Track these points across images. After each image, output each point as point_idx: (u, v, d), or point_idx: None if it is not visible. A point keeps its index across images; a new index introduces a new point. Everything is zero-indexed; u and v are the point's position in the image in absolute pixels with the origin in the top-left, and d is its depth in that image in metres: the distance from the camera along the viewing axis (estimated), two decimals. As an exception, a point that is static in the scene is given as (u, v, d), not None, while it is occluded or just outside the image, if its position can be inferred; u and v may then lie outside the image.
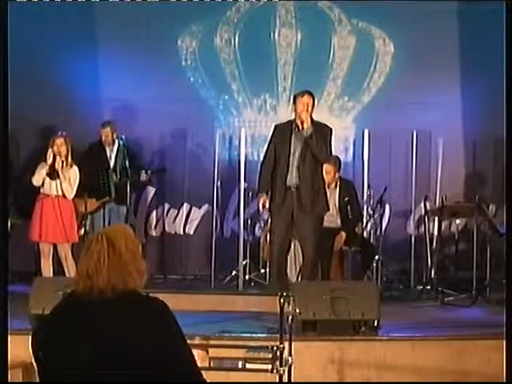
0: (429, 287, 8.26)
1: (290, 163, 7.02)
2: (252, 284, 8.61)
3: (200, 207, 9.59)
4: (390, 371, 5.64)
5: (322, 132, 7.02)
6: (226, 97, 9.61)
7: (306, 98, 6.99)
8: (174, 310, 2.92)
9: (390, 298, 8.01)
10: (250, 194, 8.69)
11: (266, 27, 9.50)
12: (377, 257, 8.27)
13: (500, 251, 7.69)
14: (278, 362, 4.71)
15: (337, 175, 8.26)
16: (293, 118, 7.13)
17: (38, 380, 2.93)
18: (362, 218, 8.52)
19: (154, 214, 9.64)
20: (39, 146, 9.20)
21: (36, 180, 7.56)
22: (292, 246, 7.54)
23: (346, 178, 8.71)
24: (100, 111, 9.33)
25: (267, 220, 7.82)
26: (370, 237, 8.69)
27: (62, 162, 7.53)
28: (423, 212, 8.85)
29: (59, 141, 7.58)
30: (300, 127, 6.97)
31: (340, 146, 9.32)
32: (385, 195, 8.48)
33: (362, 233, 8.53)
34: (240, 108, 9.62)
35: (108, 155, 8.65)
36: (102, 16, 9.46)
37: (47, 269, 7.60)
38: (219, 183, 8.99)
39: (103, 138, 8.66)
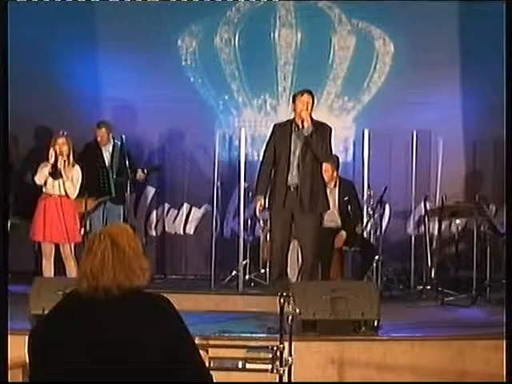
0: (429, 287, 8.26)
1: (291, 162, 7.02)
2: (252, 284, 8.61)
3: (200, 207, 9.59)
4: (390, 371, 5.64)
5: (322, 131, 7.02)
6: (226, 97, 9.61)
7: (306, 97, 6.99)
8: (174, 310, 2.92)
9: (389, 298, 8.01)
10: (250, 193, 8.69)
11: (266, 27, 9.50)
12: (377, 257, 8.27)
13: (500, 251, 7.72)
14: (277, 362, 4.71)
15: (335, 174, 8.26)
16: (292, 117, 7.14)
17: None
18: (362, 218, 8.52)
19: (154, 214, 9.64)
20: (39, 146, 9.21)
21: (39, 179, 7.55)
22: (292, 245, 7.54)
23: (346, 177, 8.72)
24: (100, 111, 9.33)
25: (267, 220, 7.82)
26: (370, 237, 8.69)
27: (64, 161, 7.52)
28: (423, 212, 8.85)
29: (61, 140, 7.57)
30: (300, 126, 6.97)
31: (340, 146, 9.32)
32: (385, 195, 8.48)
33: (362, 233, 8.53)
34: (240, 108, 9.62)
35: (104, 155, 8.64)
36: (102, 16, 9.46)
37: (48, 269, 7.59)
38: (219, 183, 8.99)
39: (99, 138, 8.65)
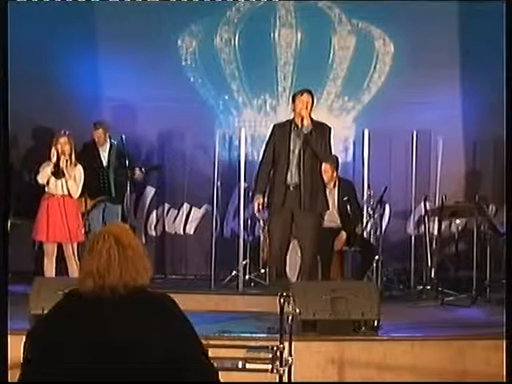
0: (429, 287, 8.26)
1: (290, 161, 7.03)
2: (252, 284, 8.61)
3: (200, 207, 9.59)
4: (390, 371, 5.64)
5: (322, 130, 7.03)
6: (226, 97, 9.61)
7: (306, 97, 7.00)
8: (174, 310, 2.92)
9: (389, 298, 8.01)
10: (250, 193, 8.68)
11: (266, 27, 9.50)
12: (377, 257, 8.27)
13: (500, 251, 7.71)
14: (278, 362, 4.70)
15: (335, 174, 8.26)
16: (292, 117, 7.15)
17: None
18: (362, 218, 8.52)
19: (154, 213, 9.63)
20: (39, 146, 9.21)
21: (41, 178, 7.55)
22: (292, 245, 7.54)
23: (346, 177, 8.72)
24: (100, 111, 9.33)
25: (267, 220, 7.82)
26: (370, 237, 8.69)
27: (67, 160, 7.53)
28: (423, 212, 8.85)
29: (63, 139, 7.57)
30: (299, 125, 6.98)
31: (340, 146, 9.32)
32: (385, 195, 8.48)
33: (362, 233, 8.53)
34: (240, 108, 9.62)
35: (101, 155, 8.63)
36: (102, 16, 9.46)
37: (50, 269, 7.59)
38: (219, 183, 8.99)
39: (96, 139, 8.62)
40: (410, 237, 9.07)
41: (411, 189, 8.99)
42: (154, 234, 9.64)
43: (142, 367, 2.82)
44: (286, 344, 4.78)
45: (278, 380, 4.74)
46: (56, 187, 7.54)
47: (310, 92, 7.06)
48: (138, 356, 2.82)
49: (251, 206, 8.71)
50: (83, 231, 7.75)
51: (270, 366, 4.72)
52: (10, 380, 4.81)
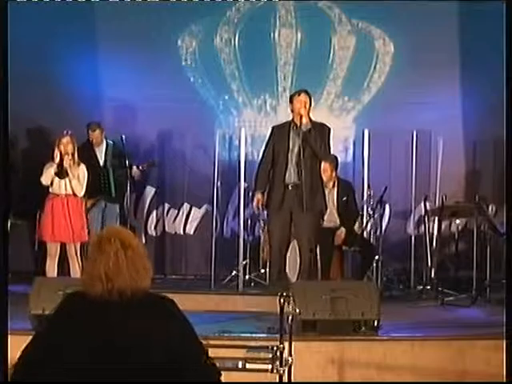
0: (429, 287, 8.25)
1: (289, 160, 7.05)
2: (252, 284, 8.61)
3: (200, 207, 9.59)
4: (390, 371, 5.63)
5: (321, 129, 7.07)
6: (226, 97, 9.61)
7: (303, 97, 7.06)
8: (174, 310, 2.93)
9: (389, 298, 8.01)
10: (250, 193, 8.69)
11: (266, 27, 9.50)
12: (377, 257, 8.27)
13: (500, 251, 7.71)
14: (278, 362, 4.70)
15: (334, 174, 8.26)
16: (290, 118, 7.17)
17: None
18: (361, 218, 8.52)
19: (154, 213, 9.63)
20: (39, 146, 9.21)
21: (45, 179, 7.56)
22: (292, 245, 7.54)
23: (346, 178, 8.73)
24: (100, 111, 9.33)
25: (267, 220, 7.82)
26: (369, 237, 8.69)
27: (70, 160, 7.54)
28: (423, 212, 8.86)
29: (65, 139, 7.59)
30: (298, 124, 7.00)
31: (340, 146, 9.33)
32: (385, 195, 8.48)
33: (362, 233, 8.53)
34: (240, 108, 9.62)
35: (98, 155, 8.62)
36: (102, 16, 9.46)
37: (52, 269, 7.59)
38: (219, 183, 8.99)
39: (93, 140, 8.60)
40: (410, 237, 9.07)
41: (411, 189, 8.99)
42: (154, 234, 9.64)
43: (146, 368, 2.82)
44: (286, 344, 4.78)
45: (277, 380, 4.74)
46: (60, 187, 7.56)
47: (307, 92, 7.12)
48: (144, 357, 2.82)
49: (251, 206, 8.73)
50: (87, 231, 7.75)
51: (270, 366, 4.71)
52: (10, 380, 4.81)
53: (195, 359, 2.94)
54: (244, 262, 8.65)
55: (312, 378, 5.54)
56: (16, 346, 4.78)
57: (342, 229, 8.22)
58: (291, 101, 7.15)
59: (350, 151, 9.51)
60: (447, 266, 8.94)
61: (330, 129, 7.15)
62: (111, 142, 8.67)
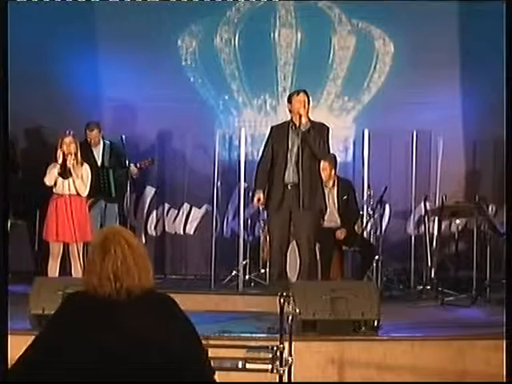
0: (429, 287, 8.25)
1: (288, 160, 7.06)
2: (252, 284, 8.61)
3: (200, 207, 9.59)
4: (390, 371, 5.63)
5: (320, 129, 7.08)
6: (226, 97, 9.61)
7: (302, 96, 7.07)
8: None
9: (389, 298, 8.01)
10: (250, 193, 8.69)
11: (266, 27, 9.50)
12: (377, 257, 8.27)
13: (500, 251, 7.71)
14: (278, 362, 4.71)
15: (333, 172, 8.25)
16: (289, 118, 7.17)
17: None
18: (361, 217, 8.52)
19: (154, 213, 9.63)
20: (39, 146, 9.22)
21: (48, 180, 7.57)
22: (292, 245, 7.55)
23: (346, 177, 8.73)
24: (100, 111, 9.33)
25: (267, 220, 7.83)
26: (369, 237, 8.69)
27: (73, 160, 7.55)
28: (423, 212, 8.85)
29: (68, 140, 7.59)
30: (297, 123, 7.01)
31: (340, 146, 9.34)
32: (385, 195, 8.48)
33: (362, 233, 8.53)
34: (240, 108, 9.62)
35: (95, 155, 8.62)
36: (102, 16, 9.46)
37: (54, 269, 7.59)
38: (219, 183, 8.99)
39: (92, 140, 8.59)
40: (410, 237, 9.07)
41: (411, 189, 8.99)
42: (154, 234, 9.64)
43: (150, 367, 2.82)
44: (286, 344, 4.78)
45: (277, 380, 4.74)
46: (63, 187, 7.57)
47: (305, 92, 7.14)
48: (153, 357, 2.82)
49: (251, 206, 8.73)
50: (91, 231, 7.75)
51: (270, 366, 4.72)
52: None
53: (196, 358, 2.94)
54: (244, 262, 8.65)
55: (312, 378, 5.54)
56: (16, 346, 4.78)
57: (343, 229, 8.21)
58: (290, 101, 7.16)
59: (350, 151, 9.51)
60: (447, 266, 8.94)
61: (328, 128, 7.16)
62: (108, 142, 8.67)
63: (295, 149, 7.04)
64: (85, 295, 2.93)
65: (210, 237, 9.06)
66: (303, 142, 7.00)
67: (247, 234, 9.04)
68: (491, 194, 9.22)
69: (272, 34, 9.49)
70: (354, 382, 5.66)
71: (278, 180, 7.07)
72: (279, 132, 7.17)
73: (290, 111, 7.14)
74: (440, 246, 8.66)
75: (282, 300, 4.79)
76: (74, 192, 7.58)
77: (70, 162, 7.53)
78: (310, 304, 5.89)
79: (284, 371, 4.73)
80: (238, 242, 8.69)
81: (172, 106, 9.27)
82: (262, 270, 8.59)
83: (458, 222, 8.78)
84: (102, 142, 8.66)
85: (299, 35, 9.48)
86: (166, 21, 9.45)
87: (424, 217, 8.85)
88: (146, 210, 9.60)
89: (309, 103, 7.10)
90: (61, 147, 7.57)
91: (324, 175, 7.66)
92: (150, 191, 9.59)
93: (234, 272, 8.67)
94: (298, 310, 5.35)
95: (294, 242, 7.45)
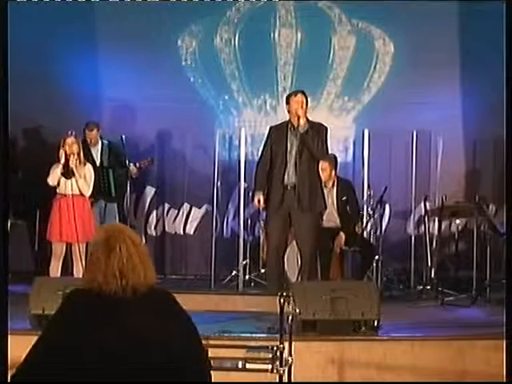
0: (429, 287, 8.25)
1: (287, 161, 7.06)
2: (252, 284, 8.61)
3: (200, 207, 9.59)
4: (390, 371, 5.63)
5: (318, 129, 7.07)
6: (226, 97, 9.61)
7: (300, 97, 7.06)
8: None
9: (389, 298, 8.01)
10: (250, 193, 8.69)
11: (266, 27, 9.50)
12: (377, 257, 8.27)
13: (500, 251, 7.71)
14: (278, 362, 4.70)
15: (333, 173, 8.25)
16: (288, 119, 7.17)
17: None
18: (361, 218, 8.52)
19: (154, 213, 9.63)
20: (39, 146, 9.22)
21: (51, 180, 7.58)
22: (291, 245, 7.55)
23: (346, 177, 8.72)
24: (100, 111, 9.34)
25: (266, 220, 7.83)
26: (369, 237, 8.69)
27: (76, 160, 7.56)
28: (423, 212, 8.85)
29: (70, 140, 7.60)
30: (296, 124, 7.01)
31: (340, 146, 9.34)
32: (385, 195, 8.48)
33: (362, 233, 8.53)
34: (240, 108, 9.62)
35: (94, 155, 8.62)
36: (102, 16, 9.46)
37: (56, 269, 7.58)
38: (219, 183, 9.00)
39: (92, 140, 8.57)
40: (410, 237, 9.07)
41: (411, 189, 8.99)
42: (154, 233, 9.64)
43: (150, 367, 2.82)
44: (286, 344, 4.78)
45: (277, 380, 4.74)
46: (66, 187, 7.57)
47: (303, 92, 7.13)
48: (150, 355, 2.83)
49: (251, 206, 8.74)
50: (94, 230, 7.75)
51: (270, 366, 4.71)
52: (10, 380, 4.82)
53: (196, 359, 2.94)
54: (244, 262, 8.66)
55: (312, 378, 5.54)
56: (16, 346, 4.79)
57: (342, 234, 8.18)
58: (288, 101, 7.15)
59: (350, 151, 9.51)
60: (447, 266, 8.94)
61: (327, 128, 7.15)
62: (106, 142, 8.66)
63: (294, 150, 7.03)
64: (89, 293, 2.92)
65: (210, 237, 9.07)
66: (302, 144, 7.00)
67: (247, 234, 9.04)
68: (491, 193, 9.22)
69: (272, 34, 9.49)
70: (354, 382, 5.65)
71: (277, 181, 7.07)
72: (278, 133, 7.16)
73: (289, 111, 7.14)
74: (440, 246, 8.67)
75: (282, 300, 4.79)
76: (76, 192, 7.58)
77: (73, 162, 7.54)
78: (310, 304, 5.89)
79: (284, 371, 4.73)
80: (238, 242, 8.69)
81: (172, 105, 9.27)
82: (262, 270, 8.59)
83: (458, 221, 8.78)
84: (100, 142, 8.66)
85: (299, 35, 9.48)
86: (166, 21, 9.45)
87: (424, 217, 8.85)
88: (146, 210, 9.61)
89: (307, 104, 7.08)
90: (63, 147, 7.57)
91: (324, 176, 7.67)
92: (150, 191, 9.59)
93: (234, 272, 8.67)
94: (298, 310, 5.35)
95: (294, 242, 7.45)
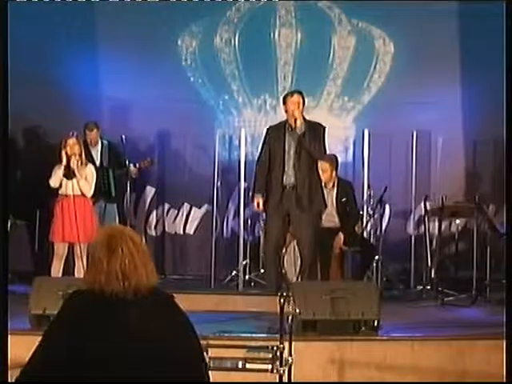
0: (429, 287, 8.25)
1: (286, 162, 7.06)
2: (252, 284, 8.61)
3: (200, 207, 9.59)
4: (390, 371, 5.63)
5: (315, 129, 7.07)
6: (226, 97, 9.61)
7: (296, 97, 7.05)
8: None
9: (389, 298, 8.00)
10: (250, 193, 8.68)
11: (266, 27, 9.50)
12: (377, 257, 8.27)
13: (500, 251, 7.71)
14: (278, 362, 4.70)
15: (334, 174, 8.24)
16: (285, 119, 7.17)
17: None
18: (361, 218, 8.52)
19: (154, 213, 9.63)
20: (39, 146, 9.22)
21: (53, 182, 7.58)
22: (291, 245, 7.54)
23: (346, 178, 8.72)
24: (100, 111, 9.33)
25: (265, 221, 7.83)
26: (369, 237, 8.69)
27: (77, 161, 7.56)
28: (423, 212, 8.85)
29: (71, 141, 7.60)
30: (293, 125, 7.01)
31: (340, 146, 9.34)
32: (385, 195, 8.48)
33: (362, 233, 8.53)
34: (240, 108, 9.62)
35: (94, 155, 8.62)
36: (102, 16, 9.46)
37: (57, 269, 7.59)
38: (219, 183, 9.00)
39: (91, 141, 8.57)
40: (410, 237, 9.07)
41: (411, 189, 9.00)
42: (154, 233, 9.64)
43: (150, 366, 2.83)
44: (286, 344, 4.78)
45: (278, 380, 4.74)
46: (67, 188, 7.58)
47: (300, 92, 7.12)
48: (149, 355, 2.83)
49: (251, 206, 8.73)
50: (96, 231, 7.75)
51: (270, 366, 4.71)
52: (10, 380, 4.82)
53: (195, 360, 2.94)
54: (244, 262, 8.66)
55: (312, 378, 5.54)
56: (16, 346, 4.79)
57: (341, 235, 8.17)
58: (284, 102, 7.15)
59: (350, 151, 9.51)
60: (447, 266, 8.95)
61: (324, 128, 7.15)
62: (106, 142, 8.66)
63: (292, 151, 7.04)
64: (90, 294, 2.91)
65: (210, 237, 9.07)
66: (299, 146, 7.00)
67: (247, 234, 9.04)
68: (491, 194, 9.22)
69: (272, 34, 9.49)
70: (354, 382, 5.66)
71: (276, 181, 7.07)
72: (276, 133, 7.16)
73: (286, 112, 7.13)
74: (440, 246, 8.66)
75: (281, 300, 4.79)
76: (78, 192, 7.59)
77: (74, 163, 7.54)
78: (310, 304, 5.89)
79: (284, 371, 4.73)
80: (238, 242, 8.69)
81: (172, 105, 9.27)
82: (262, 270, 8.58)
83: (458, 222, 8.79)
84: (100, 142, 8.66)
85: (299, 35, 9.48)
86: (166, 21, 9.44)
87: (424, 217, 8.84)
88: (145, 210, 9.60)
89: (304, 104, 7.08)
90: (64, 148, 7.58)
91: (325, 177, 7.66)
92: (149, 191, 9.59)
93: (234, 272, 8.67)
94: (297, 310, 5.35)
95: (294, 243, 7.45)
